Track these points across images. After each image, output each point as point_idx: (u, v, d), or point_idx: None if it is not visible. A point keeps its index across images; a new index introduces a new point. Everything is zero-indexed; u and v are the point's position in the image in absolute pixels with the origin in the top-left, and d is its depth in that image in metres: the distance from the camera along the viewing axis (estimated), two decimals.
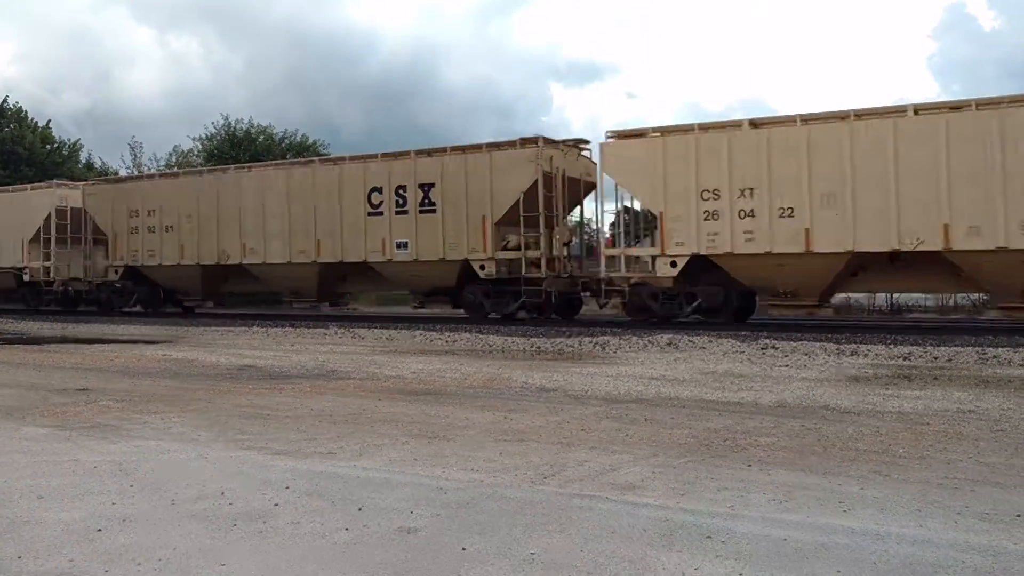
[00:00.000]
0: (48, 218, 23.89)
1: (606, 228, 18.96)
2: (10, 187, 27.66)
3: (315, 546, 3.42)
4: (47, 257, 24.02)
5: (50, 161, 41.21)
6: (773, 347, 12.03)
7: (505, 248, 17.41)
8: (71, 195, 24.47)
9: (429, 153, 18.37)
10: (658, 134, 15.72)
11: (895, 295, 22.59)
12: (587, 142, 18.20)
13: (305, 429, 6.17)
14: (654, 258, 15.87)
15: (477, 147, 17.78)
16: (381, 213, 18.58)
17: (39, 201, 24.38)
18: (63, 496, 4.24)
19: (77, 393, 8.25)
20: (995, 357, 10.54)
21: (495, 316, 17.88)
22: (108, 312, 23.36)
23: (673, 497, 4.14)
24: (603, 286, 16.41)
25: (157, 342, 15.20)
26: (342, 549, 3.38)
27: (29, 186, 26.30)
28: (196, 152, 42.88)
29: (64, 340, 15.89)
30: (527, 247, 17.10)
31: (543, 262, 16.97)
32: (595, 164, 18.27)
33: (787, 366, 10.14)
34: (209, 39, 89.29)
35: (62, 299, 24.71)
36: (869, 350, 11.54)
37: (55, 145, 43.57)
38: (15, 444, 5.66)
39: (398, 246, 18.37)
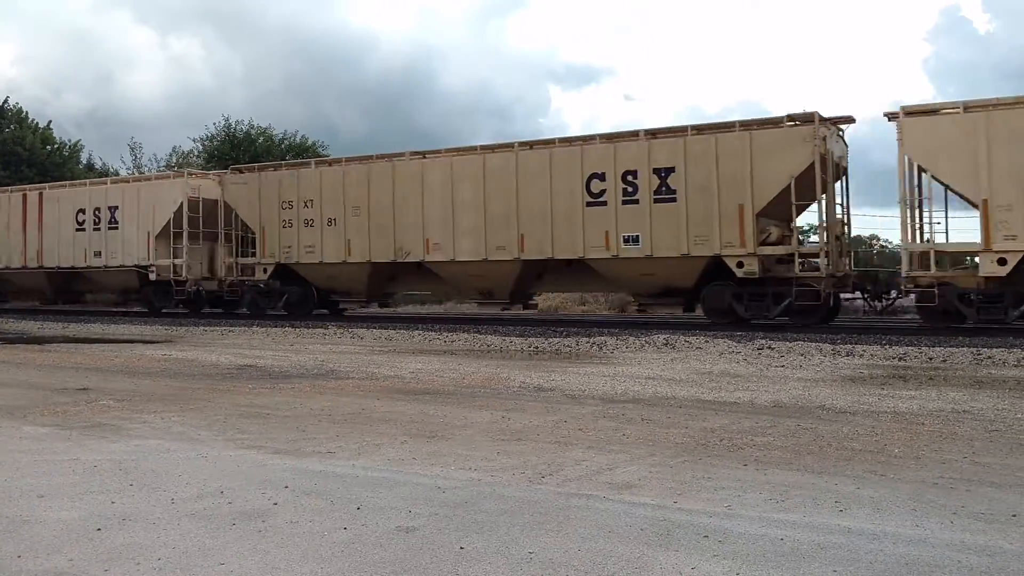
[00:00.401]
0: (179, 210, 21.37)
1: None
2: (129, 176, 26.07)
3: (314, 545, 3.44)
4: (177, 254, 21.53)
5: (50, 162, 41.20)
6: (769, 347, 12.06)
7: (765, 242, 15.09)
8: (204, 185, 22.05)
9: (656, 134, 16.10)
10: (956, 110, 13.69)
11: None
12: (851, 120, 15.77)
13: (304, 428, 6.19)
14: (913, 253, 14.03)
15: (727, 126, 15.59)
16: (604, 203, 16.12)
17: (169, 192, 21.87)
18: (63, 495, 4.26)
19: (77, 392, 8.26)
20: (989, 358, 10.58)
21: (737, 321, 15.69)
22: (255, 316, 20.72)
23: (670, 496, 4.16)
24: (902, 286, 14.69)
25: (157, 342, 15.20)
26: (341, 548, 3.40)
27: (154, 175, 23.90)
28: (196, 153, 42.98)
29: (65, 340, 15.89)
30: (799, 240, 15.14)
31: (823, 257, 14.72)
32: (847, 146, 16.39)
33: (783, 366, 10.16)
34: (210, 41, 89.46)
35: (191, 300, 22.21)
36: (864, 350, 11.58)
37: (55, 146, 43.56)
38: (16, 443, 5.67)
39: (626, 240, 15.92)
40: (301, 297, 20.71)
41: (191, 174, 22.89)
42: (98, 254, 22.95)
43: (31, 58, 78.39)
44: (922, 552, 3.28)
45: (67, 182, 26.04)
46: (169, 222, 21.60)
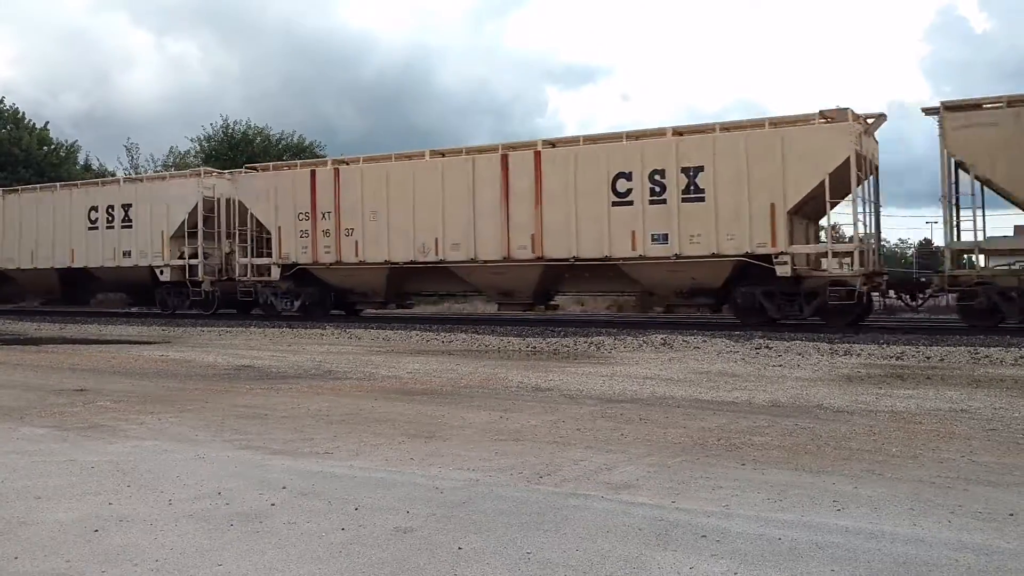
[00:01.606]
0: (843, 168, 14.19)
1: None
2: (716, 124, 15.82)
3: (312, 546, 3.44)
4: (865, 242, 14.56)
5: (47, 162, 41.14)
6: (767, 347, 12.07)
7: None
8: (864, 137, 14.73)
9: None
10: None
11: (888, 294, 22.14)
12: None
13: (302, 429, 6.18)
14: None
15: None
16: None
17: (818, 141, 14.47)
18: (60, 496, 4.25)
19: (74, 394, 8.24)
20: (987, 357, 10.59)
21: None
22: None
23: (668, 496, 4.16)
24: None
25: (154, 343, 15.18)
26: (339, 549, 3.39)
27: (767, 120, 15.30)
28: (193, 153, 42.99)
29: (62, 341, 15.86)
30: None
31: None
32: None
33: (780, 366, 10.17)
34: (207, 42, 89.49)
35: (859, 312, 15.28)
36: (862, 350, 11.59)
37: (52, 146, 43.47)
38: (12, 444, 5.66)
39: None
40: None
41: (857, 119, 14.75)
42: (660, 238, 15.54)
43: (28, 59, 78.44)
44: (920, 551, 3.28)
45: (582, 135, 17.25)
46: (823, 183, 14.27)
